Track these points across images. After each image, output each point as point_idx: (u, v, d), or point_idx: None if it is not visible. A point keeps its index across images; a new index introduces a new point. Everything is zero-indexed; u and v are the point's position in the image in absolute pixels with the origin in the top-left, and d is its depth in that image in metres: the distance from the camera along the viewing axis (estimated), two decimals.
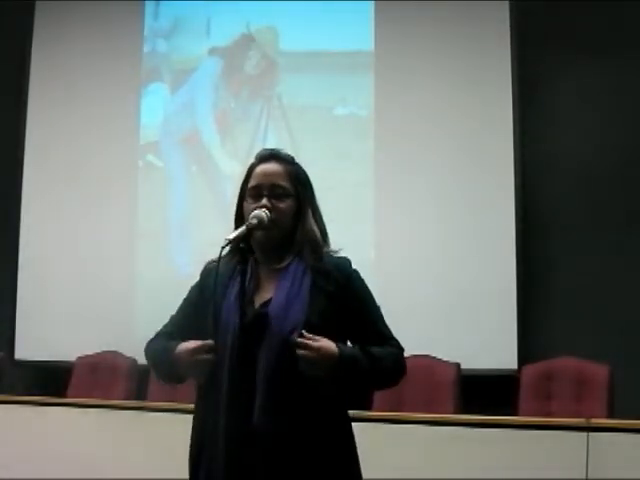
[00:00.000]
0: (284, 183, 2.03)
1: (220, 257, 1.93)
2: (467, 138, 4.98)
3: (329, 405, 1.95)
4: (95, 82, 5.76)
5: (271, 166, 2.05)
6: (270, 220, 1.98)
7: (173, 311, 2.13)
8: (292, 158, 2.11)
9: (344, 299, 1.98)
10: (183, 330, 2.04)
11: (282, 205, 2.01)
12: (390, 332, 2.05)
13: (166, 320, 2.14)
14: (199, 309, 2.03)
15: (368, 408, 4.09)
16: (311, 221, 2.04)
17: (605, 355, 4.27)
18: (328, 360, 1.86)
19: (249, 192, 2.05)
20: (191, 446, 1.99)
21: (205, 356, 1.89)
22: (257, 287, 2.02)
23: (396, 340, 2.04)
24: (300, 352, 1.85)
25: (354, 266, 2.08)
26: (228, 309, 1.95)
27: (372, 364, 1.94)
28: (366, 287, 2.06)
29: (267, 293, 2.00)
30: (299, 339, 1.86)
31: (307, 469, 1.89)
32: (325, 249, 2.06)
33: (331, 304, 1.96)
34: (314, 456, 1.90)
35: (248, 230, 1.96)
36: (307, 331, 1.89)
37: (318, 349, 1.85)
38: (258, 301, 1.99)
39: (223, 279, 1.99)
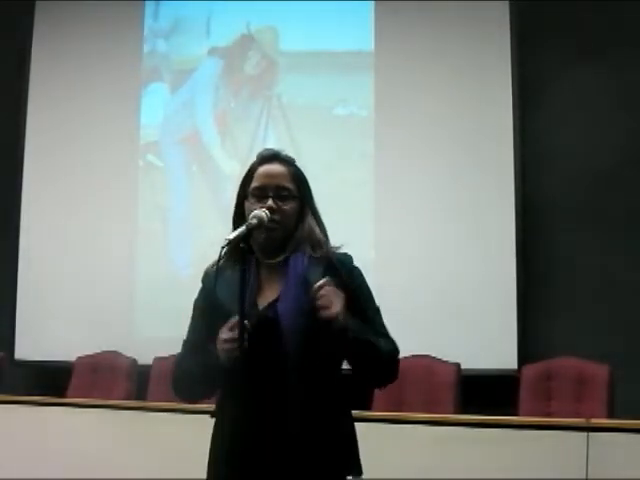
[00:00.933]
0: (289, 185, 2.04)
1: (220, 257, 1.93)
2: (467, 138, 4.98)
3: (338, 402, 1.98)
4: (95, 82, 5.76)
5: (275, 167, 2.06)
6: (272, 221, 1.98)
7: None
8: (293, 159, 2.12)
9: (345, 292, 1.96)
10: (203, 343, 2.02)
11: (287, 207, 2.02)
12: (387, 332, 2.04)
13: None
14: (210, 315, 2.03)
15: (368, 408, 4.09)
16: (311, 220, 2.05)
17: (605, 355, 4.27)
18: (339, 297, 1.88)
19: (252, 192, 2.04)
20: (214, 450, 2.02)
21: (230, 334, 1.88)
22: (259, 288, 2.02)
23: (393, 339, 2.03)
24: (317, 303, 1.86)
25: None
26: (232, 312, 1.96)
27: (371, 337, 1.95)
28: (366, 285, 2.06)
29: (270, 293, 2.00)
30: (313, 293, 1.87)
31: (311, 461, 1.92)
32: (327, 246, 2.06)
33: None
34: (321, 449, 1.92)
35: (248, 230, 1.96)
36: (311, 318, 1.89)
37: (327, 295, 1.87)
38: (262, 302, 2.00)
39: (226, 281, 1.99)
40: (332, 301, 1.86)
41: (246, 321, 1.87)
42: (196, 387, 2.05)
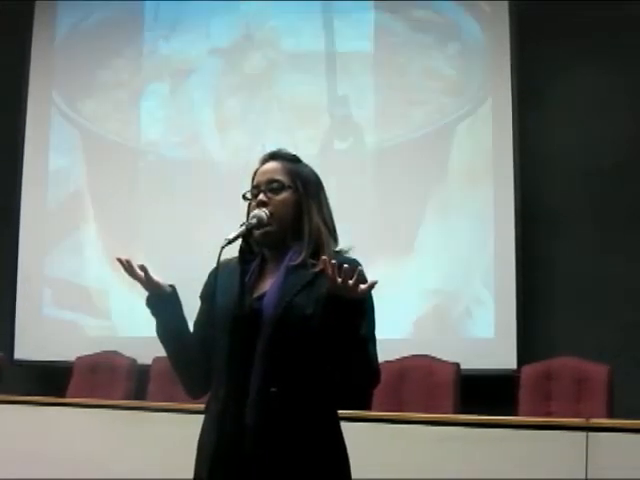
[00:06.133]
0: (280, 177, 2.03)
1: (220, 258, 1.93)
2: (467, 138, 4.98)
3: (319, 402, 1.94)
4: (95, 82, 5.76)
5: (269, 165, 2.07)
6: (269, 217, 1.98)
7: None
8: (293, 156, 2.11)
9: None
10: (204, 327, 2.03)
11: (278, 198, 2.01)
12: (372, 345, 1.94)
13: None
14: (207, 307, 2.05)
15: (368, 408, 4.09)
16: (317, 218, 2.02)
17: (605, 355, 4.28)
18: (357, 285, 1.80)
19: (251, 193, 2.06)
20: (198, 442, 2.01)
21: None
22: (259, 283, 2.01)
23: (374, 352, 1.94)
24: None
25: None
26: (227, 307, 1.97)
27: (363, 338, 1.88)
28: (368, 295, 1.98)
29: (265, 287, 1.99)
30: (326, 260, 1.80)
31: (295, 466, 1.89)
32: (334, 248, 2.03)
33: (324, 294, 1.90)
34: (302, 454, 1.89)
35: (248, 230, 1.97)
36: (297, 314, 1.88)
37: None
38: (256, 295, 1.99)
39: (224, 277, 1.99)
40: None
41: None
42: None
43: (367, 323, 1.93)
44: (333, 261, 1.80)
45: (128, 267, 2.00)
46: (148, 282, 2.02)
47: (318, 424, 1.93)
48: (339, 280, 1.78)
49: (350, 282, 1.78)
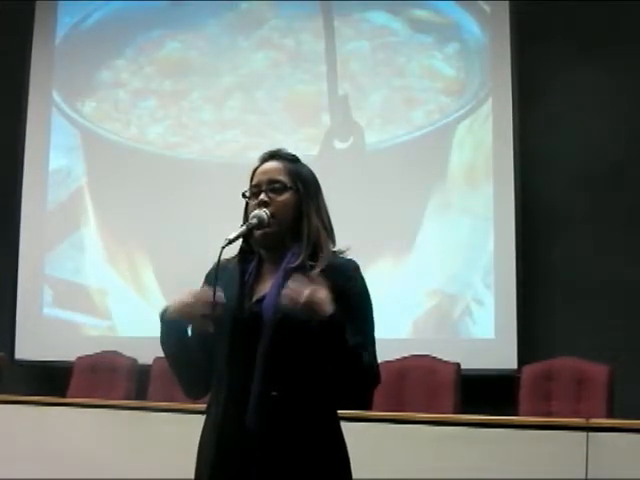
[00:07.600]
0: (282, 178, 2.02)
1: (220, 258, 1.93)
2: (467, 138, 4.98)
3: (319, 405, 1.94)
4: (95, 82, 5.76)
5: (270, 164, 2.06)
6: (269, 217, 1.97)
7: None
8: (294, 156, 2.10)
9: (338, 299, 1.89)
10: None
11: (280, 198, 2.00)
12: (371, 347, 1.94)
13: None
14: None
15: (368, 408, 4.09)
16: (316, 219, 2.02)
17: (605, 355, 4.28)
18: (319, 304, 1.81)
19: (250, 191, 2.05)
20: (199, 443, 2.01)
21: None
22: (258, 285, 2.01)
23: (372, 354, 1.94)
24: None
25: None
26: (227, 308, 1.95)
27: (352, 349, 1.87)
28: (366, 296, 1.98)
29: (264, 287, 1.99)
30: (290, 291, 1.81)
31: (296, 469, 1.88)
32: (332, 249, 2.03)
33: None
34: (303, 457, 1.89)
35: (248, 230, 1.96)
36: (297, 316, 1.85)
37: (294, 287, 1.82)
38: (255, 297, 1.99)
39: (224, 278, 1.98)
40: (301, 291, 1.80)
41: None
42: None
43: (366, 324, 1.93)
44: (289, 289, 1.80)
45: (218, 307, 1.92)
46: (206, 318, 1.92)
47: (319, 426, 1.93)
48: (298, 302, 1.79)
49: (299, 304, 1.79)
